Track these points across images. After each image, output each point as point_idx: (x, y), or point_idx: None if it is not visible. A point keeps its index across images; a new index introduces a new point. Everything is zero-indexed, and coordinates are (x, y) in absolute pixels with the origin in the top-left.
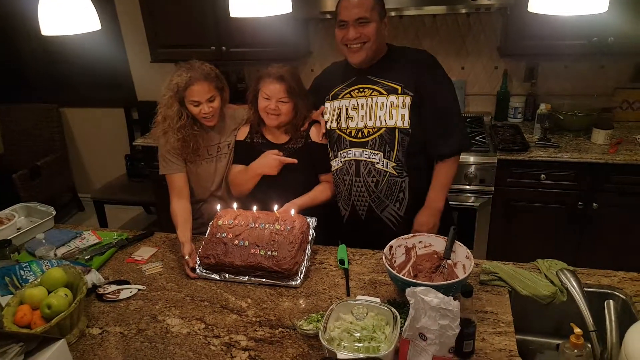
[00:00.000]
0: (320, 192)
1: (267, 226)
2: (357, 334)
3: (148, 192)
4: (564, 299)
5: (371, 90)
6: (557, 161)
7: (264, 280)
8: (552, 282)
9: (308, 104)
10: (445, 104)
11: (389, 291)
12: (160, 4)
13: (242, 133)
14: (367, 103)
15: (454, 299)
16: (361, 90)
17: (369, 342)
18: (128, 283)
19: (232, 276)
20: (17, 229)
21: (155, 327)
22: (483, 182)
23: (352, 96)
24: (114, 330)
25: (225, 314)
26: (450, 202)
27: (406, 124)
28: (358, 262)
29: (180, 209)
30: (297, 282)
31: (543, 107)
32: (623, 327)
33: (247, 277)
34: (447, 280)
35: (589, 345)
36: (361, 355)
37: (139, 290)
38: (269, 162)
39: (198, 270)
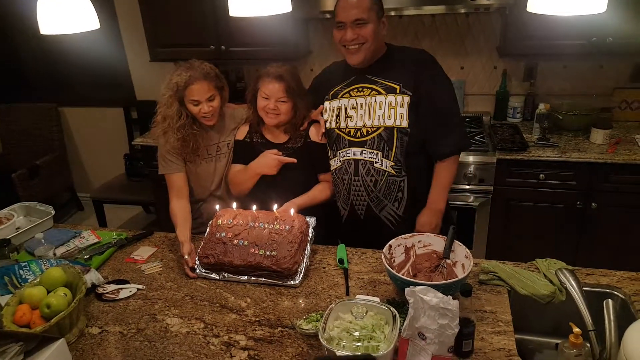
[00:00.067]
0: (319, 192)
1: (266, 226)
2: (357, 334)
3: (147, 191)
4: (563, 299)
5: (370, 90)
6: (556, 161)
7: (264, 279)
8: (551, 282)
9: (307, 103)
10: (445, 103)
11: (388, 291)
12: (160, 3)
13: (242, 132)
14: (366, 102)
15: (453, 299)
16: (360, 89)
17: (368, 342)
18: (127, 282)
19: (232, 276)
20: (16, 228)
21: (154, 327)
22: (482, 181)
23: (351, 96)
24: (114, 330)
25: (224, 313)
26: (449, 202)
27: (405, 124)
28: (357, 261)
29: (180, 208)
30: (297, 282)
31: (542, 107)
32: (622, 326)
33: (246, 276)
34: (446, 280)
35: (588, 345)
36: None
37: (138, 289)
38: (268, 161)
39: (197, 270)
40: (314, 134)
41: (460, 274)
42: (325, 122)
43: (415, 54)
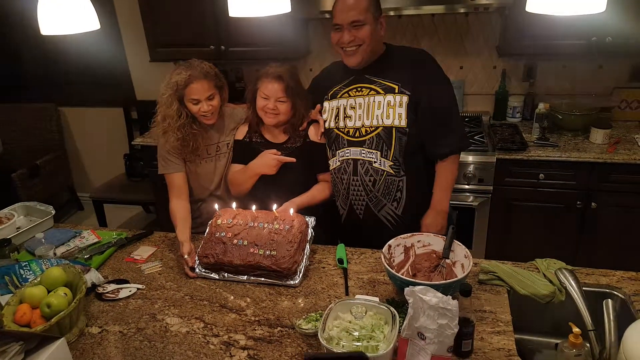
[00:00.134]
0: (318, 192)
1: (266, 225)
2: (356, 333)
3: (147, 191)
4: (563, 299)
5: (369, 90)
6: (555, 160)
7: (263, 279)
8: (550, 282)
9: (307, 103)
10: (444, 103)
11: (388, 290)
12: (160, 4)
13: (241, 132)
14: (364, 102)
15: (453, 298)
16: (359, 89)
17: (368, 341)
18: (127, 282)
19: (231, 275)
20: (17, 228)
21: (154, 326)
22: (482, 181)
23: (350, 95)
24: (113, 329)
25: (224, 313)
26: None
27: (403, 123)
28: (357, 261)
29: (180, 208)
30: (296, 282)
31: (542, 107)
32: (622, 326)
33: (246, 276)
34: (445, 280)
35: (588, 345)
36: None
37: (138, 289)
38: (268, 161)
39: (197, 270)
40: (313, 134)
41: (459, 274)
42: (325, 122)
43: (414, 54)
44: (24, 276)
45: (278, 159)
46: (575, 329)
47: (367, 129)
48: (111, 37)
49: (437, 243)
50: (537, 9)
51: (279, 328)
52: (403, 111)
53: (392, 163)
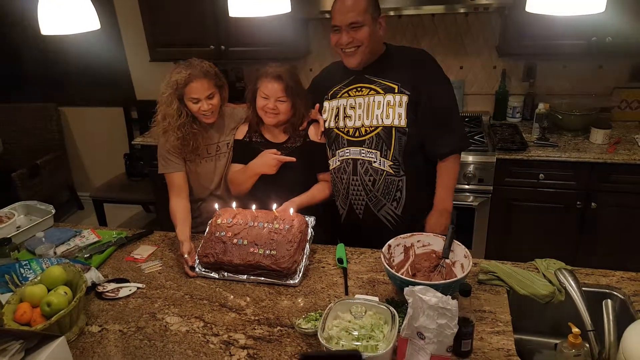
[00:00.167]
0: (318, 191)
1: (265, 225)
2: (356, 333)
3: (147, 191)
4: (562, 299)
5: (368, 90)
6: (555, 161)
7: (263, 279)
8: (550, 282)
9: (307, 103)
10: (444, 103)
11: (388, 290)
12: (159, 3)
13: (241, 132)
14: (364, 102)
15: (452, 298)
16: (359, 89)
17: (367, 341)
18: (127, 281)
19: (231, 275)
20: (17, 227)
21: (154, 325)
22: (482, 181)
23: (349, 95)
24: (113, 328)
25: (224, 312)
26: None
27: (403, 123)
28: (357, 261)
29: (180, 207)
30: (296, 281)
31: (542, 107)
32: (621, 326)
33: (245, 275)
34: (445, 280)
35: (587, 345)
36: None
37: (138, 288)
38: (268, 161)
39: (197, 269)
40: (313, 134)
41: (459, 274)
42: (325, 121)
43: (414, 54)
44: (24, 275)
45: (278, 159)
46: (575, 329)
47: (367, 128)
48: (111, 37)
49: (436, 243)
50: (537, 9)
51: (278, 327)
52: (403, 111)
53: (391, 163)
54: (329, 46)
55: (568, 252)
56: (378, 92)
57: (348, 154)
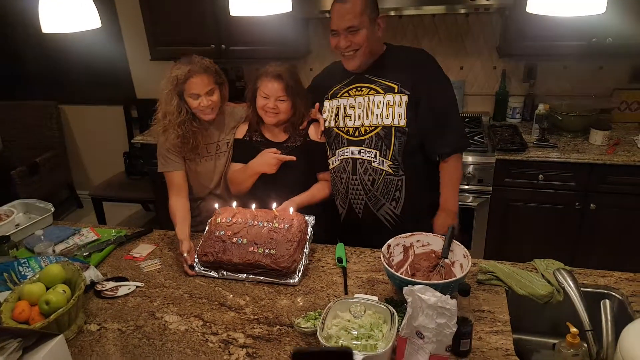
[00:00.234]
0: (318, 191)
1: (265, 224)
2: (355, 332)
3: (146, 189)
4: (561, 299)
5: (368, 89)
6: (555, 161)
7: (262, 278)
8: (549, 282)
9: (307, 102)
10: (443, 103)
11: (387, 290)
12: (160, 2)
13: (241, 131)
14: (364, 102)
15: (451, 298)
16: (359, 89)
17: (367, 340)
18: (126, 280)
19: (230, 274)
20: (16, 225)
21: (153, 324)
22: (481, 182)
23: (350, 95)
24: (112, 327)
25: (223, 311)
26: None
27: (402, 123)
28: (356, 260)
29: (179, 206)
30: (295, 280)
31: (541, 108)
32: (619, 326)
33: (245, 274)
34: (444, 279)
35: (585, 345)
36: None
37: (137, 287)
38: (268, 160)
39: (196, 268)
40: (313, 133)
41: (458, 274)
42: (325, 121)
43: (414, 54)
44: (22, 273)
45: (278, 158)
46: (573, 329)
47: (367, 128)
48: (112, 35)
49: (436, 243)
50: (538, 10)
51: (277, 326)
52: (402, 111)
53: (391, 163)
54: (329, 46)
55: (567, 253)
56: (378, 92)
57: (348, 154)
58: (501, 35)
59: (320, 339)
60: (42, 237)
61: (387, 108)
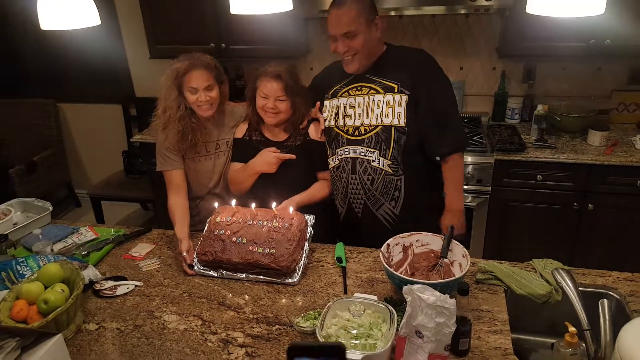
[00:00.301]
0: (318, 190)
1: (265, 223)
2: (354, 331)
3: (145, 188)
4: (559, 298)
5: (368, 89)
6: (553, 162)
7: (262, 277)
8: (547, 282)
9: (307, 101)
10: (443, 103)
11: (386, 289)
12: (160, 0)
13: (241, 131)
14: (364, 101)
15: (451, 297)
16: (359, 88)
17: (366, 340)
18: (125, 279)
19: (230, 273)
20: (14, 224)
21: (152, 323)
22: (480, 182)
23: (349, 94)
24: (111, 326)
25: (222, 310)
26: None
27: (402, 122)
28: (355, 260)
29: (178, 205)
30: (295, 280)
31: (540, 108)
32: (617, 326)
33: (244, 274)
34: (443, 279)
35: (583, 344)
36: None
37: (135, 286)
38: (267, 159)
39: (195, 267)
40: (313, 132)
41: (457, 273)
42: (325, 120)
43: (414, 54)
44: (20, 272)
45: (278, 157)
46: (571, 329)
47: (367, 127)
48: (111, 33)
49: (435, 242)
50: (537, 11)
51: (277, 326)
52: (402, 110)
53: (390, 162)
54: (329, 45)
55: (565, 253)
56: (378, 92)
57: (347, 153)
58: (501, 36)
59: (319, 338)
60: (40, 236)
61: (387, 108)
